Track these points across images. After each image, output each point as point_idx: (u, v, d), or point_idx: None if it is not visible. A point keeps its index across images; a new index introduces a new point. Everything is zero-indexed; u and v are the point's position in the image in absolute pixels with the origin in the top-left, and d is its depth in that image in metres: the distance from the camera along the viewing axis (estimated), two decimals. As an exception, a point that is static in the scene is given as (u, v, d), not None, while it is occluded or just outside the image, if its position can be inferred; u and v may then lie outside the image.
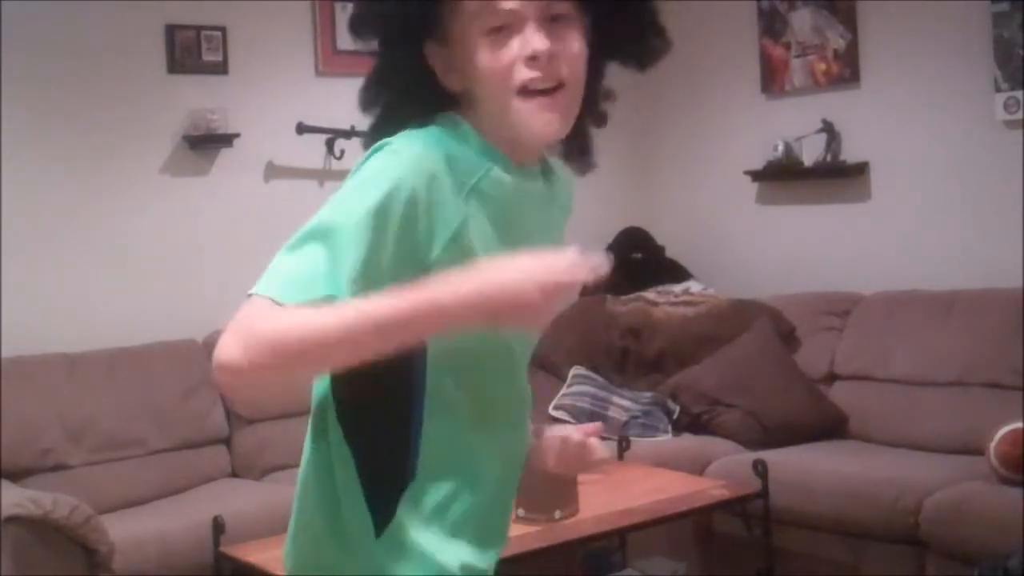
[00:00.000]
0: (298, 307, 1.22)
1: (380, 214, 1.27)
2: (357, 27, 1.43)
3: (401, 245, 1.28)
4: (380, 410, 1.38)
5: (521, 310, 1.23)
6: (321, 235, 1.27)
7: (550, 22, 1.36)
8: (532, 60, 1.34)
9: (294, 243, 1.29)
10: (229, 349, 1.22)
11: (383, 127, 1.41)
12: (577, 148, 1.50)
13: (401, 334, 1.24)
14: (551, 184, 1.49)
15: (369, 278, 1.25)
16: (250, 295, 1.26)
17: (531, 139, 1.39)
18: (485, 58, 1.35)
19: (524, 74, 1.35)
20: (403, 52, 1.39)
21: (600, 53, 1.43)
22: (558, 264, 1.23)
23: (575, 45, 1.38)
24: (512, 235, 1.39)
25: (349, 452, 1.38)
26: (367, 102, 1.44)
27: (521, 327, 1.30)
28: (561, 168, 1.53)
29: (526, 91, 1.35)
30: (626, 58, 1.47)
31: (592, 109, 1.47)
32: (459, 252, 1.31)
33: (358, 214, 1.26)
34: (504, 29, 1.35)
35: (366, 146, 1.39)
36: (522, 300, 1.22)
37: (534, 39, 1.34)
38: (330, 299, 1.23)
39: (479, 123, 1.40)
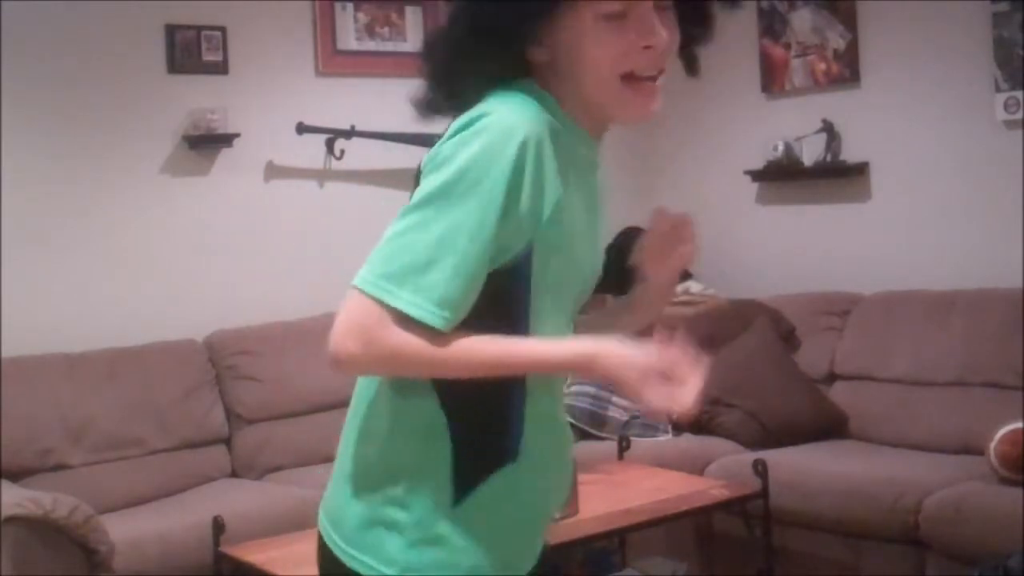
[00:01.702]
0: (416, 327, 1.31)
1: (489, 205, 1.30)
2: None
3: (508, 216, 1.32)
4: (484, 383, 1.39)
5: (619, 385, 1.37)
6: (424, 226, 1.31)
7: (660, 12, 1.39)
8: (648, 49, 1.37)
9: (403, 230, 1.32)
10: (348, 347, 1.32)
11: (452, 94, 1.42)
12: None
13: (507, 373, 1.38)
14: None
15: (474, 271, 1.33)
16: (362, 290, 1.32)
17: (625, 121, 1.44)
18: (598, 42, 1.37)
19: (638, 62, 1.38)
20: (509, 18, 1.37)
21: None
22: (656, 358, 1.37)
23: (675, 37, 1.42)
24: (588, 204, 1.44)
25: (443, 416, 1.40)
26: (434, 63, 1.44)
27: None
28: None
29: (631, 77, 1.38)
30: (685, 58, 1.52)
31: None
32: (555, 225, 1.36)
33: (464, 216, 1.30)
34: (619, 16, 1.36)
35: (423, 111, 1.42)
36: (620, 380, 1.36)
37: (658, 30, 1.37)
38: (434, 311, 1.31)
39: (561, 96, 1.42)
